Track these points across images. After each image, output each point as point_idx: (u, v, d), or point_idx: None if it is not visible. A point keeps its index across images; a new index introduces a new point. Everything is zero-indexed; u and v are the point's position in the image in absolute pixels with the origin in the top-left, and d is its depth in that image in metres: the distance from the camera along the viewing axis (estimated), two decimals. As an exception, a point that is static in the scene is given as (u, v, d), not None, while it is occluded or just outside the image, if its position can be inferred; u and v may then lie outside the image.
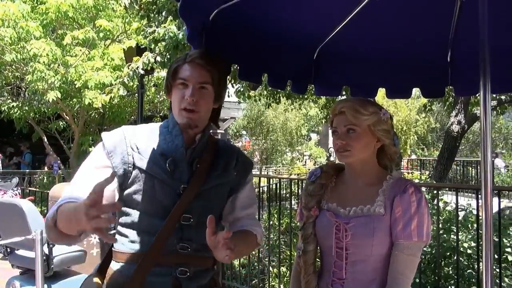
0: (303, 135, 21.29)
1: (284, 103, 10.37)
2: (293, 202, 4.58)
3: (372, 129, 1.38)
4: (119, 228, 1.38)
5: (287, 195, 6.44)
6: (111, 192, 1.29)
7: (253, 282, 4.27)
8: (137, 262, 1.30)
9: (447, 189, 6.27)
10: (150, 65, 4.54)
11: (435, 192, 3.91)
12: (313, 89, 2.28)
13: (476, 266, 3.18)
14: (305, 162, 20.43)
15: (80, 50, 8.67)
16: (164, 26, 4.31)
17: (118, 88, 5.37)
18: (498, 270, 2.76)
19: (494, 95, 6.30)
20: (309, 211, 1.45)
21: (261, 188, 5.32)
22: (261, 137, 18.56)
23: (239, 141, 19.60)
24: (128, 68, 4.93)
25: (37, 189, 8.41)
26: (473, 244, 3.42)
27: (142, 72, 4.68)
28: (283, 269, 4.23)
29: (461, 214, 3.93)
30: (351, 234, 1.35)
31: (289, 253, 4.40)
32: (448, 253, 3.49)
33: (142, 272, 1.29)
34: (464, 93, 2.61)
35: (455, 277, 3.13)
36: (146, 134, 1.39)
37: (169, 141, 1.36)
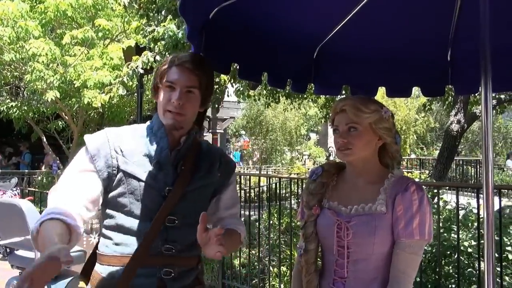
0: (302, 135, 21.30)
1: (284, 103, 10.36)
2: (293, 201, 4.58)
3: (373, 127, 1.37)
4: (103, 230, 1.38)
5: (287, 194, 6.44)
6: (96, 196, 1.30)
7: (254, 281, 4.27)
8: (122, 265, 1.31)
9: (447, 188, 6.26)
10: (149, 64, 4.54)
11: (435, 191, 3.91)
12: (313, 88, 2.28)
13: (476, 265, 3.18)
14: (305, 161, 20.45)
15: (79, 49, 8.66)
16: (164, 25, 4.30)
17: (118, 87, 5.37)
18: (498, 268, 2.76)
19: (494, 94, 6.30)
20: (310, 210, 1.45)
21: (261, 188, 5.31)
22: (260, 136, 18.56)
23: (238, 141, 19.61)
24: (128, 68, 4.93)
25: (36, 189, 8.39)
26: (473, 243, 3.42)
27: (141, 71, 4.68)
28: (284, 268, 4.22)
29: (461, 213, 3.93)
30: (352, 233, 1.35)
31: (289, 253, 4.39)
32: (448, 252, 3.49)
33: (129, 275, 1.30)
34: (464, 92, 2.62)
35: (456, 276, 3.13)
36: (130, 136, 1.39)
37: (154, 143, 1.37)
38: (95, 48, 9.03)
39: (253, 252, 4.44)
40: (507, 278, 3.26)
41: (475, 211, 3.70)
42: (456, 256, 3.10)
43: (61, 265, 0.98)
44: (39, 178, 11.01)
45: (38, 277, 0.92)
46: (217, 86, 5.38)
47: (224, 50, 1.76)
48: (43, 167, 12.42)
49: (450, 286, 3.35)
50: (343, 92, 3.10)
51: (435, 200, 3.49)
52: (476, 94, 5.59)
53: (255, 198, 5.94)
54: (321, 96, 8.34)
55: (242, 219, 4.93)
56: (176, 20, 4.30)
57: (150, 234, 1.31)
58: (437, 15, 1.90)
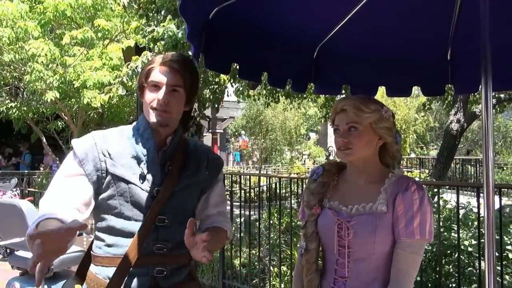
0: (302, 134, 21.29)
1: (283, 102, 10.36)
2: (293, 201, 4.58)
3: (374, 127, 1.37)
4: (96, 232, 1.41)
5: (287, 194, 6.44)
6: (87, 199, 1.33)
7: (254, 281, 4.27)
8: (115, 265, 1.33)
9: (446, 187, 6.27)
10: (149, 64, 4.52)
11: (435, 190, 3.91)
12: (313, 88, 2.28)
13: (477, 264, 3.18)
14: (304, 161, 20.44)
15: (79, 50, 8.66)
16: (163, 25, 4.30)
17: (117, 87, 5.36)
18: (499, 268, 2.76)
19: (493, 93, 6.30)
20: (311, 209, 1.45)
21: (261, 188, 5.31)
22: (260, 136, 18.55)
23: (237, 141, 19.61)
24: (127, 68, 4.92)
25: (36, 190, 8.39)
26: (474, 242, 3.42)
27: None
28: (284, 268, 4.22)
29: (462, 212, 3.93)
30: (353, 232, 1.35)
31: (289, 253, 4.39)
32: (449, 251, 3.49)
33: (122, 274, 1.32)
34: (464, 91, 2.61)
35: (456, 275, 3.13)
36: (116, 138, 1.41)
37: (141, 144, 1.39)
38: (95, 48, 9.04)
39: (254, 252, 4.44)
40: (507, 277, 3.26)
41: (475, 210, 3.70)
42: (456, 255, 3.10)
43: (76, 232, 1.02)
44: (39, 178, 11.00)
45: (50, 241, 0.96)
46: (217, 86, 5.38)
47: (224, 50, 1.76)
48: (41, 168, 12.40)
49: (450, 285, 3.35)
50: (343, 91, 3.10)
51: (435, 199, 3.49)
52: (476, 93, 5.60)
53: (255, 198, 5.94)
54: (320, 95, 8.34)
55: (242, 219, 4.97)
56: (176, 20, 4.29)
57: (141, 234, 1.33)
58: (437, 15, 1.90)
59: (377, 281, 1.35)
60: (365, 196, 1.38)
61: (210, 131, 15.76)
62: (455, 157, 9.87)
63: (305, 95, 8.05)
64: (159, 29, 4.29)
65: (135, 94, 6.25)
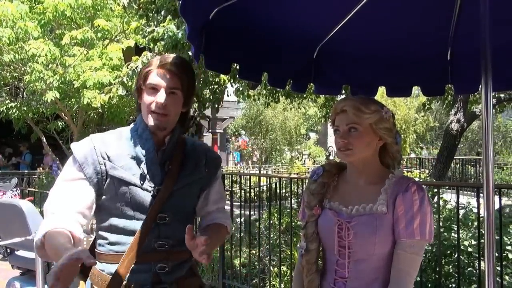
0: (302, 134, 21.30)
1: (283, 102, 10.36)
2: (293, 201, 4.58)
3: (374, 127, 1.37)
4: (99, 231, 1.44)
5: (287, 194, 6.44)
6: (90, 203, 1.36)
7: (254, 281, 4.27)
8: (117, 262, 1.37)
9: (446, 187, 6.27)
10: (149, 64, 4.52)
11: (435, 190, 3.91)
12: (313, 88, 2.28)
13: (476, 264, 3.18)
14: (304, 161, 20.45)
15: (79, 50, 8.65)
16: (163, 26, 4.30)
17: (117, 87, 5.36)
18: (498, 268, 2.76)
19: (493, 93, 6.30)
20: (311, 210, 1.45)
21: (261, 188, 5.31)
22: (260, 136, 18.56)
23: (237, 141, 19.62)
24: (127, 68, 4.92)
25: (36, 190, 8.39)
26: (473, 242, 3.42)
27: (141, 71, 4.66)
28: (284, 268, 4.22)
29: (461, 212, 3.93)
30: (353, 233, 1.35)
31: (289, 253, 4.39)
32: (448, 251, 3.49)
33: (123, 271, 1.36)
34: (464, 91, 2.62)
35: (456, 275, 3.13)
36: (115, 140, 1.44)
37: (139, 145, 1.42)
38: (95, 49, 9.03)
39: (254, 252, 4.44)
40: (507, 277, 3.26)
41: (475, 210, 3.70)
42: (456, 256, 3.10)
43: (82, 265, 1.07)
44: (39, 178, 11.00)
45: (64, 275, 1.01)
46: (217, 86, 5.38)
47: (224, 50, 1.77)
48: (40, 168, 12.39)
49: (450, 285, 3.35)
50: (343, 91, 3.10)
51: (435, 199, 3.49)
52: (476, 93, 5.60)
53: (255, 198, 5.94)
54: (320, 95, 8.34)
55: (242, 219, 4.97)
56: (176, 20, 4.29)
57: (141, 232, 1.37)
58: (437, 15, 1.90)
59: (377, 281, 1.35)
60: (365, 197, 1.39)
61: (210, 131, 15.77)
62: (455, 157, 9.87)
63: (305, 95, 8.05)
64: (159, 30, 4.29)
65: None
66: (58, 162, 10.29)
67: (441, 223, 3.35)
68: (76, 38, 8.16)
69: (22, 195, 7.90)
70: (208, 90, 5.33)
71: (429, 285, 3.35)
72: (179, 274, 1.45)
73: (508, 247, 3.35)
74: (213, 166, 1.56)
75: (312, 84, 2.20)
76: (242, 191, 6.90)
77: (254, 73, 1.96)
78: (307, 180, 1.56)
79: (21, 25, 8.01)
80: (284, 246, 4.51)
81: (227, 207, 2.04)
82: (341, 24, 1.94)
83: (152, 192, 1.39)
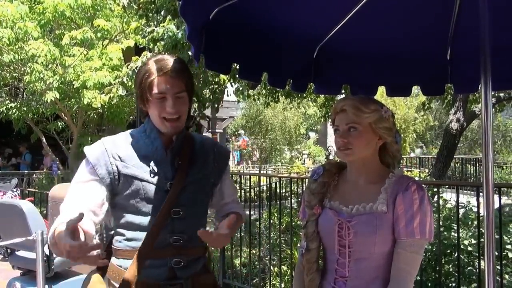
0: (301, 134, 21.29)
1: (283, 102, 10.35)
2: (293, 201, 4.58)
3: (373, 127, 1.38)
4: (116, 228, 1.49)
5: (287, 194, 6.44)
6: (101, 202, 1.41)
7: (254, 281, 4.27)
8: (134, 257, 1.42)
9: (446, 186, 6.27)
10: (149, 64, 4.52)
11: (435, 189, 3.91)
12: (313, 88, 2.28)
13: (476, 263, 3.19)
14: (304, 161, 20.44)
15: (78, 50, 8.66)
16: (163, 26, 4.30)
17: (117, 88, 5.37)
18: (498, 267, 2.76)
19: (493, 93, 6.31)
20: (312, 209, 1.46)
21: (261, 187, 5.31)
22: (260, 136, 18.55)
23: (237, 140, 19.61)
24: (127, 68, 4.93)
25: (36, 190, 8.38)
26: (473, 241, 3.43)
27: (141, 71, 4.65)
28: (284, 268, 4.23)
29: (461, 211, 3.93)
30: (353, 232, 1.36)
31: (290, 252, 4.39)
32: (448, 251, 3.49)
33: (138, 266, 1.41)
34: (464, 90, 2.62)
35: (456, 274, 3.13)
36: (124, 142, 1.49)
37: (148, 144, 1.48)
38: (94, 49, 9.03)
39: (254, 251, 4.44)
40: (507, 276, 3.27)
41: (475, 209, 3.70)
42: (456, 255, 3.11)
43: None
44: (39, 178, 10.99)
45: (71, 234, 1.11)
46: (217, 86, 5.38)
47: (224, 50, 1.77)
48: (39, 169, 12.39)
49: (450, 284, 3.36)
50: (343, 91, 3.10)
51: (435, 198, 3.50)
52: (475, 93, 5.60)
53: (255, 197, 5.94)
54: (320, 95, 8.34)
55: (243, 219, 4.97)
56: (176, 20, 4.30)
57: (155, 227, 1.42)
58: (436, 14, 1.90)
59: (378, 280, 1.36)
60: (366, 196, 1.39)
61: (210, 131, 15.76)
62: (455, 156, 9.87)
63: (305, 95, 8.05)
64: (159, 30, 4.30)
65: (135, 95, 6.24)
66: (58, 162, 10.28)
67: (441, 222, 3.36)
68: (76, 38, 8.17)
69: (22, 196, 7.90)
70: (208, 90, 5.34)
71: (429, 284, 3.35)
72: (194, 270, 1.49)
73: (508, 246, 3.36)
74: (222, 160, 1.62)
75: (312, 84, 2.20)
76: (242, 191, 6.90)
77: (254, 73, 1.96)
78: (307, 180, 1.56)
79: (21, 26, 8.01)
80: (284, 245, 4.51)
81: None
82: (341, 24, 1.94)
83: (164, 187, 1.44)
